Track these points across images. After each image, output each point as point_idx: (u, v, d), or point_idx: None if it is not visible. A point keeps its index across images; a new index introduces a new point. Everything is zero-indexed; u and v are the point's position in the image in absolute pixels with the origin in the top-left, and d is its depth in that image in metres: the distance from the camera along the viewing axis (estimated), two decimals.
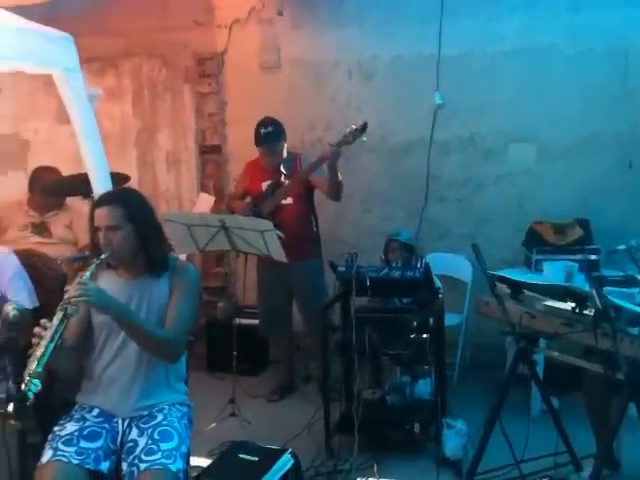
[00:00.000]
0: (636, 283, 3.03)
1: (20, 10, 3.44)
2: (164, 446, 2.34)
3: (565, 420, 3.12)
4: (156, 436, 2.38)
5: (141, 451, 2.34)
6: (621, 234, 3.78)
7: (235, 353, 3.94)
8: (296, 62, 5.00)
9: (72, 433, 2.37)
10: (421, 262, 3.58)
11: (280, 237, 3.71)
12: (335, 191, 4.00)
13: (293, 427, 3.67)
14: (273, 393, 4.37)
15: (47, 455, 2.29)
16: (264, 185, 4.16)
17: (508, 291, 2.97)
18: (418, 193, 4.73)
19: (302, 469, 3.00)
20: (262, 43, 5.03)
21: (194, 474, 2.79)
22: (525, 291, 2.92)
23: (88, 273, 2.35)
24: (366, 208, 4.95)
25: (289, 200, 4.10)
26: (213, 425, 3.76)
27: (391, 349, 3.55)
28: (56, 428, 2.41)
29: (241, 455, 2.87)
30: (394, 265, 3.77)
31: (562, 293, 2.78)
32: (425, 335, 3.44)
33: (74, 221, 4.23)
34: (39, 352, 2.09)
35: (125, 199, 2.52)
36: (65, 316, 2.18)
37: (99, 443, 2.38)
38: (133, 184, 4.37)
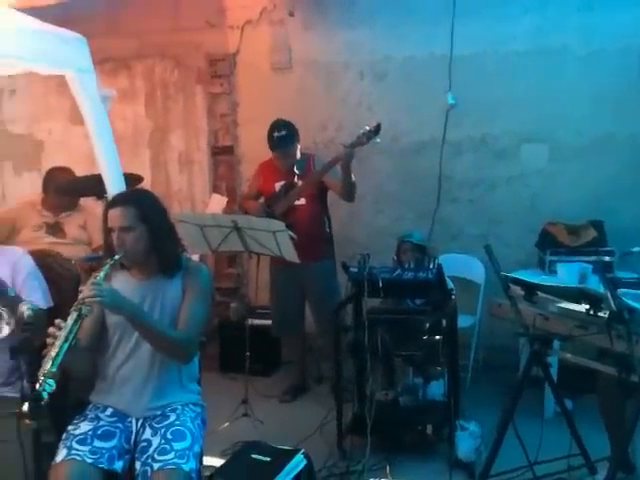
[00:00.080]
0: None
1: (34, 11, 3.46)
2: (177, 446, 2.35)
3: (579, 422, 3.11)
4: (169, 436, 2.39)
5: (154, 451, 2.35)
6: (635, 235, 3.78)
7: (248, 354, 3.95)
8: (307, 63, 5.00)
9: (86, 432, 2.39)
10: (433, 263, 3.56)
11: (293, 238, 3.71)
12: (349, 192, 3.98)
13: (305, 428, 3.66)
14: (285, 394, 4.38)
15: (61, 454, 2.30)
16: (277, 186, 4.16)
17: (522, 293, 2.96)
18: (430, 194, 4.72)
19: (314, 470, 3.00)
20: (273, 44, 5.04)
21: (207, 474, 2.79)
22: (539, 293, 2.91)
23: (102, 274, 2.36)
24: (378, 209, 4.94)
25: (302, 201, 4.10)
26: (226, 425, 3.77)
27: (404, 350, 3.54)
28: (70, 427, 2.42)
29: (254, 455, 2.87)
30: (406, 266, 3.76)
31: (576, 295, 2.77)
32: (438, 337, 3.44)
33: (88, 221, 4.23)
34: (53, 352, 2.09)
35: (138, 200, 2.54)
36: (79, 316, 2.19)
37: (113, 442, 2.39)
38: (146, 185, 4.37)
